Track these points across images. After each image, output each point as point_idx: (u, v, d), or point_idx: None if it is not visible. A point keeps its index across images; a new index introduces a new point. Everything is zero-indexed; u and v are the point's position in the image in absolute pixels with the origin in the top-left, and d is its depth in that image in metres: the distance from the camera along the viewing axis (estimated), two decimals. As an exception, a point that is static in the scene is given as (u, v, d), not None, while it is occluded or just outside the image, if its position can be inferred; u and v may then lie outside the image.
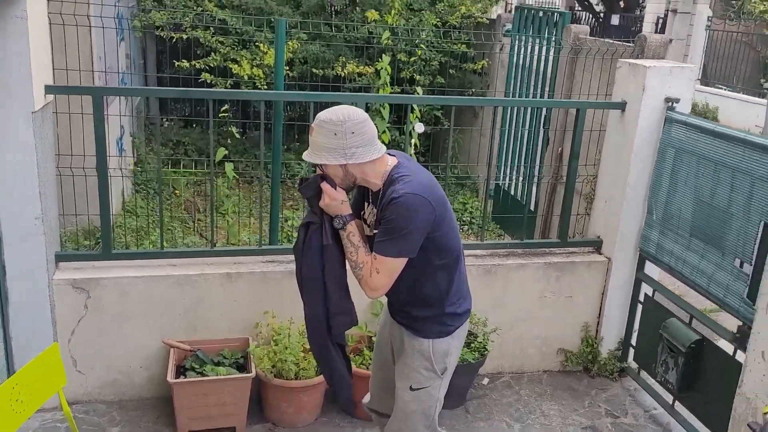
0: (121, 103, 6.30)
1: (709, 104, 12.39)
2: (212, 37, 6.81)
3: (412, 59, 6.85)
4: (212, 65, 6.79)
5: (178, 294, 3.47)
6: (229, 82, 6.69)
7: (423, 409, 2.51)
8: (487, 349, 3.71)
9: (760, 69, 11.85)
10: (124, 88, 6.34)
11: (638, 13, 18.43)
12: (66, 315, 3.36)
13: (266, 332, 3.54)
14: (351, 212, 2.35)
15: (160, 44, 7.85)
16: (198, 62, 6.74)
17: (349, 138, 2.21)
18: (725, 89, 12.86)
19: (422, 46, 6.44)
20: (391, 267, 2.27)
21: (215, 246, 3.65)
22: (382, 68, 3.95)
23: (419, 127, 3.60)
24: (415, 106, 4.37)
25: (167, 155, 6.72)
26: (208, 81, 6.72)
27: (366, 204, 2.44)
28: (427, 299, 2.44)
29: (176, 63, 6.73)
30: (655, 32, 14.85)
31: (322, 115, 2.25)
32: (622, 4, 18.60)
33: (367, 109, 3.61)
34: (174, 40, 6.91)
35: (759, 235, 3.01)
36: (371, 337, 3.66)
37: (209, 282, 3.50)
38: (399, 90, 6.49)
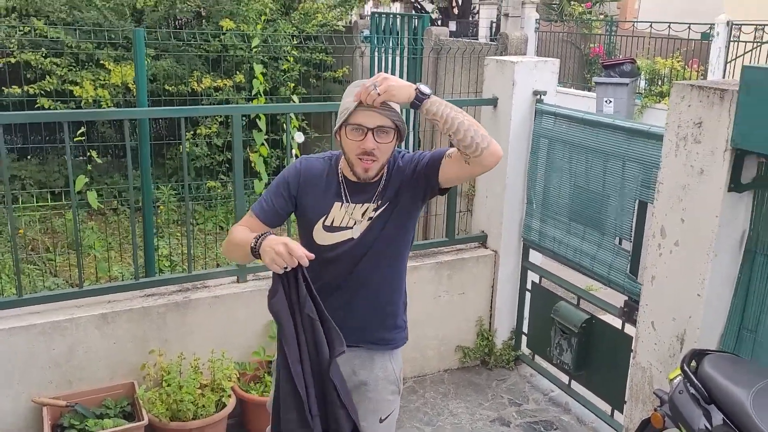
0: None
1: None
2: (45, 58, 6.19)
3: (274, 71, 6.66)
4: (48, 89, 6.17)
5: (46, 345, 3.05)
6: (71, 105, 6.11)
7: None
8: (391, 357, 3.63)
9: (584, 65, 12.90)
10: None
11: (471, 18, 19.43)
12: None
13: (155, 373, 3.21)
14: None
15: (-20, 70, 7.02)
16: (32, 87, 6.09)
17: None
18: (558, 85, 13.88)
19: (289, 58, 6.26)
20: None
21: (84, 285, 3.26)
22: (255, 77, 3.75)
23: (299, 137, 3.46)
24: (293, 116, 4.21)
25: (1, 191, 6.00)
26: (46, 106, 6.09)
27: (339, 204, 2.16)
28: (399, 294, 2.31)
29: (4, 90, 6.04)
30: (490, 37, 15.72)
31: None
32: (456, 11, 19.52)
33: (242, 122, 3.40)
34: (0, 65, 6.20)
35: (635, 213, 3.20)
36: (270, 362, 3.45)
37: (81, 326, 3.11)
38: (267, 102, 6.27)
